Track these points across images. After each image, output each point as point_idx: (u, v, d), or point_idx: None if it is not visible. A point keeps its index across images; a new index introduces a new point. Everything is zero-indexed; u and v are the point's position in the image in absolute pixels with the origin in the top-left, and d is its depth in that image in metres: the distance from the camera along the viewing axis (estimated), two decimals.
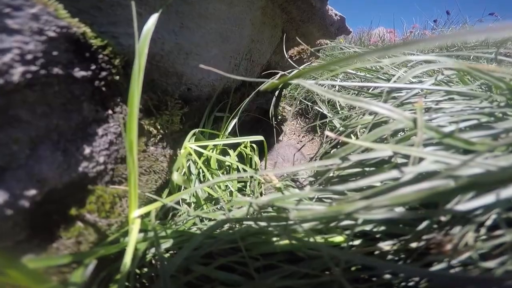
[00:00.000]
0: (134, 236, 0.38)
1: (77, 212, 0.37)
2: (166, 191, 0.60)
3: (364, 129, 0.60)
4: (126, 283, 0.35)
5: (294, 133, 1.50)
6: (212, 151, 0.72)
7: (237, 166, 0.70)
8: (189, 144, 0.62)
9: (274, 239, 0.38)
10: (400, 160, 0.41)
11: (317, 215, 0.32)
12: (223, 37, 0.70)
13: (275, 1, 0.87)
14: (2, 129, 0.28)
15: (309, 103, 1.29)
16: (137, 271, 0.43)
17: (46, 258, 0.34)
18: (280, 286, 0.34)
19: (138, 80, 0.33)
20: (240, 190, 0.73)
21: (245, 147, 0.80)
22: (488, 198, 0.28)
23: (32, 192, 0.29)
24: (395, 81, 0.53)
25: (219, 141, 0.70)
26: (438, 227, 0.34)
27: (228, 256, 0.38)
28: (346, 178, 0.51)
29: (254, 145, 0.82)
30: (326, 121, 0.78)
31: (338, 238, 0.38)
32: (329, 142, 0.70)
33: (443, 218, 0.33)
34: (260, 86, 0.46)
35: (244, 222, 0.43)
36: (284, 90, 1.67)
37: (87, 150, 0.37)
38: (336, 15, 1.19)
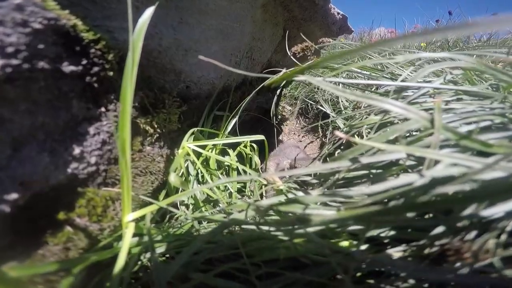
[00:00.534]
0: (127, 241, 0.36)
1: (66, 216, 0.35)
2: (163, 193, 0.58)
3: (369, 130, 0.58)
4: None
5: (294, 133, 1.48)
6: (211, 151, 0.70)
7: (237, 167, 0.67)
8: (188, 144, 0.60)
9: (278, 244, 0.36)
10: (408, 163, 0.39)
11: (327, 220, 0.30)
12: (223, 34, 0.68)
13: None
14: None
15: (311, 102, 1.27)
16: (132, 277, 0.41)
17: (30, 266, 0.32)
18: None
19: (131, 74, 0.31)
20: (239, 191, 0.71)
21: (245, 146, 0.78)
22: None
23: (13, 196, 0.27)
24: (402, 80, 0.51)
25: (219, 141, 0.68)
26: (453, 233, 0.32)
27: (228, 263, 0.36)
28: (351, 181, 0.49)
29: (254, 145, 0.80)
30: (328, 121, 0.75)
31: (344, 243, 0.36)
32: (332, 142, 0.68)
33: (459, 224, 0.31)
34: (265, 82, 0.44)
35: (246, 226, 0.40)
36: (284, 89, 1.65)
37: (77, 150, 0.35)
38: (338, 13, 1.17)
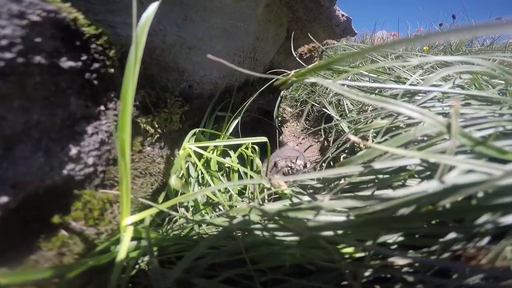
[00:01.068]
0: (125, 245, 0.34)
1: (61, 220, 0.33)
2: (163, 195, 0.56)
3: (375, 134, 0.57)
4: None
5: (294, 135, 1.47)
6: (213, 152, 0.68)
7: (238, 169, 0.66)
8: (189, 145, 0.58)
9: (283, 250, 0.34)
10: (416, 168, 0.38)
11: (338, 226, 0.29)
12: (228, 32, 0.67)
13: None
14: None
15: (316, 104, 1.25)
16: (130, 281, 0.39)
17: (21, 273, 0.30)
18: None
19: (133, 71, 0.29)
20: (240, 193, 0.69)
21: (246, 148, 0.76)
22: None
23: (4, 199, 0.25)
24: (412, 84, 0.50)
25: (221, 142, 0.66)
26: (466, 239, 0.31)
27: (231, 268, 0.34)
28: (357, 186, 0.47)
29: (256, 147, 0.78)
30: (331, 124, 0.74)
31: (349, 249, 0.35)
32: (336, 146, 0.67)
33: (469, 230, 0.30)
34: (273, 82, 0.43)
35: (254, 232, 0.39)
36: (285, 91, 1.64)
37: (73, 150, 0.33)
38: (343, 15, 1.16)
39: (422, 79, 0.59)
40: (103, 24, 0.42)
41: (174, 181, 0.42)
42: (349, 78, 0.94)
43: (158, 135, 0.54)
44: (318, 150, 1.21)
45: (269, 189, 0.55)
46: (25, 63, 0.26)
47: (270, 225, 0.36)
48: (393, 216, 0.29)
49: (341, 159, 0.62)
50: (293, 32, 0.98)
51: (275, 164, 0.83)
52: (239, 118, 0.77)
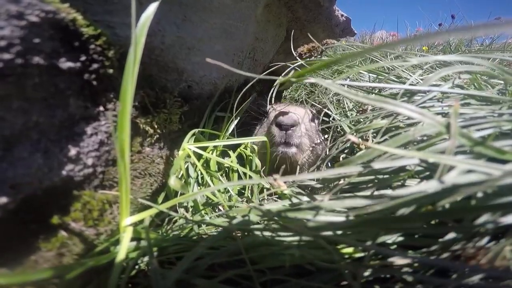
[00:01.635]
0: (124, 246, 0.34)
1: (60, 220, 0.33)
2: (163, 195, 0.56)
3: (375, 134, 0.57)
4: None
5: None
6: (212, 153, 0.68)
7: (238, 169, 0.66)
8: (188, 145, 0.58)
9: (283, 250, 0.34)
10: (415, 169, 0.38)
11: (337, 227, 0.29)
12: (227, 33, 0.67)
13: None
14: None
15: (316, 105, 1.25)
16: (129, 282, 0.39)
17: (21, 273, 0.30)
18: None
19: (132, 72, 0.29)
20: (239, 194, 0.69)
21: (246, 148, 0.76)
22: None
23: (3, 200, 0.25)
24: (412, 84, 0.50)
25: (220, 142, 0.66)
26: (466, 239, 0.31)
27: (231, 269, 0.34)
28: (356, 186, 0.47)
29: (255, 146, 0.78)
30: (331, 125, 0.74)
31: (348, 250, 0.35)
32: (336, 146, 0.67)
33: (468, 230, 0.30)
34: (279, 79, 0.42)
35: (254, 232, 0.39)
36: (284, 91, 1.63)
37: (73, 151, 0.33)
38: (342, 16, 1.16)
39: (421, 79, 0.59)
40: (101, 25, 0.42)
41: (173, 182, 0.42)
42: (349, 78, 0.94)
43: (157, 136, 0.54)
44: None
45: (268, 189, 0.55)
46: (24, 64, 0.26)
47: (270, 226, 0.36)
48: (392, 216, 0.29)
49: (341, 159, 0.62)
50: (292, 32, 0.98)
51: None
52: (239, 118, 0.77)
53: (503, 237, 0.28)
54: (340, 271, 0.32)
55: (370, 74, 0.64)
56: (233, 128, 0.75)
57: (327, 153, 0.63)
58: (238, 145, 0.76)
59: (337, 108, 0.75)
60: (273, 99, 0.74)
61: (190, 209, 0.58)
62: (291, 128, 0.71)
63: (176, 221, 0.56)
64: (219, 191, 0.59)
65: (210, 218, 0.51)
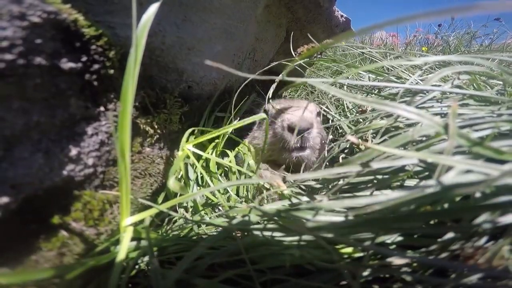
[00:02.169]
0: (125, 245, 0.34)
1: (61, 220, 0.33)
2: (163, 195, 0.56)
3: (374, 134, 0.57)
4: None
5: None
6: (212, 153, 0.68)
7: (237, 169, 0.66)
8: (187, 146, 0.58)
9: (283, 250, 0.35)
10: (414, 169, 0.38)
11: (337, 227, 0.29)
12: (227, 33, 0.67)
13: None
14: None
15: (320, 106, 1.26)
16: (129, 282, 0.39)
17: (21, 272, 0.30)
18: None
19: (133, 73, 0.29)
20: (237, 194, 0.69)
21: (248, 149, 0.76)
22: None
23: (4, 199, 0.25)
24: (412, 84, 0.50)
25: (217, 133, 0.63)
26: (464, 239, 0.31)
27: (230, 269, 0.34)
28: (356, 186, 0.48)
29: (252, 146, 0.78)
30: (330, 125, 0.74)
31: (347, 250, 0.35)
32: (336, 147, 0.67)
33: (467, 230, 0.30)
34: (278, 78, 0.42)
35: (254, 232, 0.39)
36: (284, 92, 1.63)
37: (73, 151, 0.33)
38: (342, 16, 1.16)
39: (421, 80, 0.60)
40: (102, 25, 0.42)
41: (172, 184, 0.42)
42: (348, 79, 0.94)
43: (157, 136, 0.54)
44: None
45: (268, 189, 0.55)
46: (26, 65, 0.27)
47: (270, 226, 0.36)
48: (391, 216, 0.29)
49: (340, 159, 0.62)
50: (292, 33, 0.98)
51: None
52: (238, 118, 0.77)
53: (501, 237, 0.28)
54: (340, 271, 0.32)
55: (370, 75, 0.64)
56: (233, 129, 0.75)
57: (325, 154, 0.63)
58: (237, 144, 0.75)
59: (337, 108, 0.75)
60: (269, 98, 0.72)
61: (190, 209, 0.58)
62: (307, 131, 0.65)
63: (176, 221, 0.56)
64: (218, 191, 0.59)
65: (210, 218, 0.51)
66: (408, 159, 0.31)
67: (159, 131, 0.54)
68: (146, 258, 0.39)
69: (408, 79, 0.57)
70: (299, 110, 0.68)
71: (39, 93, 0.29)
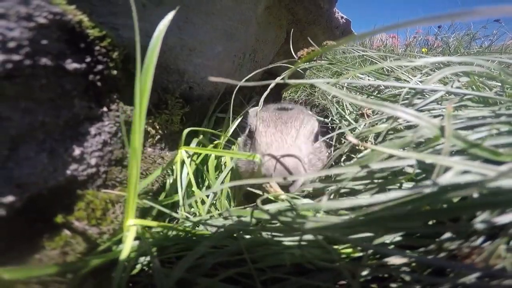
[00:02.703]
0: (128, 245, 0.35)
1: (64, 219, 0.34)
2: (163, 195, 0.57)
3: (375, 136, 0.58)
4: None
5: None
6: (211, 154, 0.68)
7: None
8: (182, 150, 0.58)
9: (284, 250, 0.35)
10: (409, 170, 0.39)
11: (337, 227, 0.29)
12: (228, 34, 0.67)
13: (282, 0, 0.85)
14: None
15: (314, 105, 1.26)
16: (130, 280, 0.40)
17: (26, 269, 0.30)
18: None
19: (147, 80, 0.30)
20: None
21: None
22: None
23: (10, 198, 0.26)
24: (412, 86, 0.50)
25: (210, 151, 0.61)
26: (463, 239, 0.31)
27: (231, 268, 0.35)
28: (354, 188, 0.48)
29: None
30: (329, 136, 0.75)
31: (346, 249, 0.36)
32: (336, 147, 0.67)
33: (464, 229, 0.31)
34: (275, 81, 0.43)
35: (249, 232, 0.39)
36: (284, 93, 1.64)
37: (77, 151, 0.33)
38: (342, 18, 1.17)
39: (420, 81, 0.60)
40: (106, 26, 0.42)
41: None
42: (349, 79, 0.95)
43: (159, 136, 0.54)
44: None
45: (261, 195, 0.55)
46: (32, 65, 0.27)
47: (270, 225, 0.36)
48: (390, 216, 0.30)
49: (341, 160, 0.62)
50: (292, 35, 0.99)
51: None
52: (239, 119, 0.77)
53: (498, 237, 0.29)
54: (339, 270, 0.32)
55: (370, 77, 0.64)
56: (237, 129, 0.75)
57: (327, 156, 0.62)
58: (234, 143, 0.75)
59: (337, 108, 0.76)
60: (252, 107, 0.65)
61: (191, 210, 0.59)
62: (293, 183, 0.49)
63: (177, 221, 0.56)
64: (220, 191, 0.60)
65: (210, 218, 0.51)
66: (408, 160, 0.31)
67: (160, 131, 0.55)
68: (147, 257, 0.39)
69: (408, 81, 0.58)
70: (285, 138, 0.52)
71: (45, 94, 0.30)
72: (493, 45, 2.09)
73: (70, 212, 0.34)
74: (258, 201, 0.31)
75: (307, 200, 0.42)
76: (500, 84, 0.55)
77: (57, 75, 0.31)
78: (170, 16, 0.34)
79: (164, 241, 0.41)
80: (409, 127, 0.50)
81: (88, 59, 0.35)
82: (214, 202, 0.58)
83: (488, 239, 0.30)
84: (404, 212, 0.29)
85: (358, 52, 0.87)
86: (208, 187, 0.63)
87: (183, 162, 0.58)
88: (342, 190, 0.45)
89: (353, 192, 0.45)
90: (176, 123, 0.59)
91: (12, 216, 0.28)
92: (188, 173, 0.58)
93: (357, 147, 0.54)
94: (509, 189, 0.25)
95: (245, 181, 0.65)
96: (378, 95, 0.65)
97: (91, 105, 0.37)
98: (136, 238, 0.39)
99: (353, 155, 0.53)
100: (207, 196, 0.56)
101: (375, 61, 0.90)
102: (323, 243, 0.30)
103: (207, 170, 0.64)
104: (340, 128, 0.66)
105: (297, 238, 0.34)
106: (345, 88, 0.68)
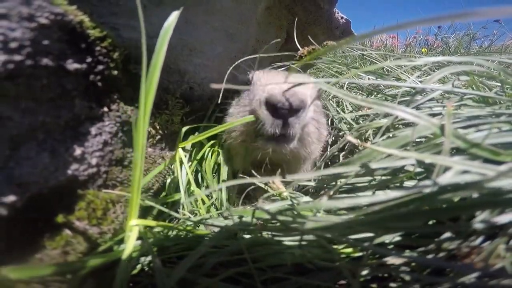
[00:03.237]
0: (131, 244, 0.35)
1: (65, 219, 0.34)
2: (163, 195, 0.57)
3: (374, 134, 0.58)
4: None
5: None
6: (210, 151, 0.69)
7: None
8: (183, 144, 0.58)
9: (284, 250, 0.35)
10: (410, 168, 0.39)
11: (337, 226, 0.30)
12: (228, 34, 0.68)
13: (282, 1, 0.85)
14: None
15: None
16: (131, 280, 0.40)
17: (28, 268, 0.31)
18: None
19: (153, 81, 0.30)
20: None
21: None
22: None
23: (11, 198, 0.26)
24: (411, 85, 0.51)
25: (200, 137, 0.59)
26: (462, 238, 0.31)
27: (231, 267, 0.35)
28: (354, 186, 0.48)
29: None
30: (330, 125, 0.75)
31: (346, 249, 0.36)
32: (335, 147, 0.67)
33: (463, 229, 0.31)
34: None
35: (248, 232, 0.39)
36: None
37: (78, 151, 0.33)
38: (342, 18, 1.17)
39: (420, 81, 0.60)
40: (106, 27, 0.42)
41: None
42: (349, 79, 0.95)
43: (159, 136, 0.55)
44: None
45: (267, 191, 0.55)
46: (33, 66, 0.27)
47: (270, 225, 0.37)
48: (390, 216, 0.30)
49: (340, 159, 0.62)
50: (292, 35, 0.99)
51: None
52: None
53: (497, 237, 0.29)
54: (339, 270, 0.32)
55: (370, 77, 0.64)
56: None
57: (322, 155, 0.62)
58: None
59: (336, 108, 0.76)
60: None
61: (191, 209, 0.59)
62: (295, 114, 0.42)
63: (177, 221, 0.56)
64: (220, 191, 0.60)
65: (210, 217, 0.52)
66: (407, 159, 0.31)
67: (160, 131, 0.55)
68: (148, 257, 0.40)
69: (407, 81, 0.58)
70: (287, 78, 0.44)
71: (46, 94, 0.30)
72: (493, 45, 2.09)
73: (71, 212, 0.35)
74: (261, 200, 0.31)
75: (308, 198, 0.42)
76: (500, 84, 0.56)
77: (58, 75, 0.31)
78: (174, 15, 0.34)
79: (165, 241, 0.41)
80: (407, 125, 0.50)
81: (88, 59, 0.35)
82: (214, 202, 0.58)
83: (487, 239, 0.30)
84: (404, 212, 0.29)
85: (358, 52, 0.88)
86: (207, 187, 0.63)
87: (182, 161, 0.59)
88: (342, 189, 0.46)
89: (353, 190, 0.45)
90: (176, 123, 0.60)
91: (13, 216, 0.28)
92: (187, 173, 0.59)
93: (356, 149, 0.54)
94: (509, 189, 0.25)
95: (245, 180, 0.65)
96: (377, 94, 0.65)
97: (91, 105, 0.37)
98: (137, 238, 0.39)
99: (350, 156, 0.53)
100: (207, 196, 0.56)
101: (375, 61, 0.90)
102: (324, 242, 0.30)
103: (205, 171, 0.64)
104: (339, 129, 0.67)
105: (297, 237, 0.34)
106: (345, 87, 0.69)
